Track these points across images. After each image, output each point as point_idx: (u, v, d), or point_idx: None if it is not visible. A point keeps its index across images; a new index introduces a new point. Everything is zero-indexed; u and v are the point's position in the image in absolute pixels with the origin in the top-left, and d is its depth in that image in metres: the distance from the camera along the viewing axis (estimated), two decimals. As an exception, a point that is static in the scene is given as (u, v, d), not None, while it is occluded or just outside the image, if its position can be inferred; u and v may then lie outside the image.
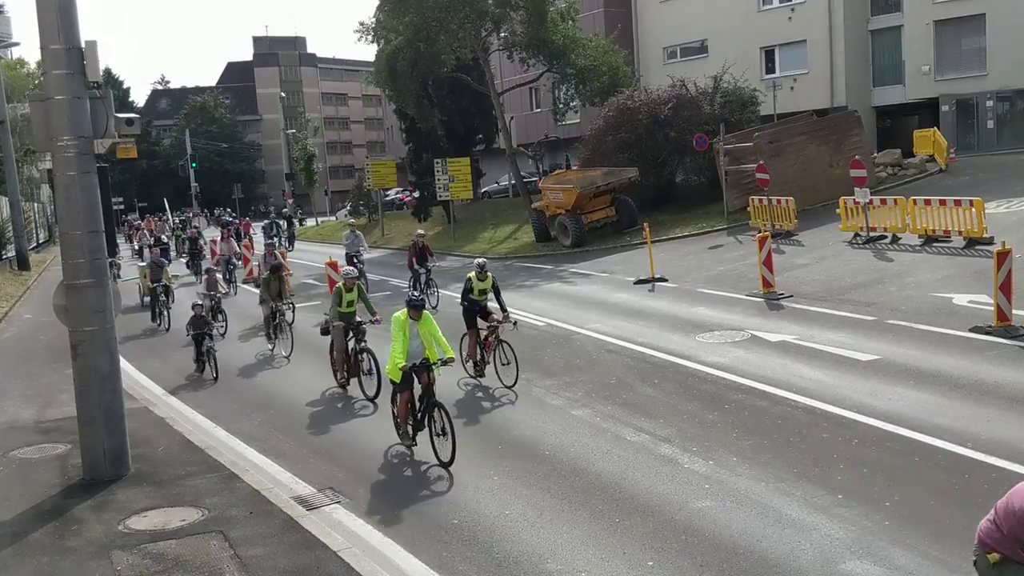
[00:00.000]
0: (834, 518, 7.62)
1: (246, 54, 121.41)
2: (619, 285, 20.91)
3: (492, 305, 13.71)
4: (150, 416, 12.34)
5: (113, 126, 9.79)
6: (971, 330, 13.12)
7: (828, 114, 33.22)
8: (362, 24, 42.01)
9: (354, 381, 13.25)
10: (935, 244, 19.39)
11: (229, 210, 69.12)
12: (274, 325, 16.53)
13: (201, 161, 79.45)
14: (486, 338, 13.17)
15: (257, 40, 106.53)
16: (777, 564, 6.97)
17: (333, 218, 63.93)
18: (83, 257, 9.65)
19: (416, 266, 20.43)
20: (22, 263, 34.50)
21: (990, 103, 34.28)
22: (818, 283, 17.95)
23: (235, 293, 25.58)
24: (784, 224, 23.51)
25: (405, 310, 10.26)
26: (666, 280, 20.37)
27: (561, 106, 42.34)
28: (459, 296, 13.79)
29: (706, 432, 10.12)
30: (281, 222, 43.69)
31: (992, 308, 13.19)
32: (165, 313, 20.66)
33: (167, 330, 20.12)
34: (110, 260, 27.42)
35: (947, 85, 34.74)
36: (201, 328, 15.17)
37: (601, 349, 14.44)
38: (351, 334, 13.42)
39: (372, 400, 12.57)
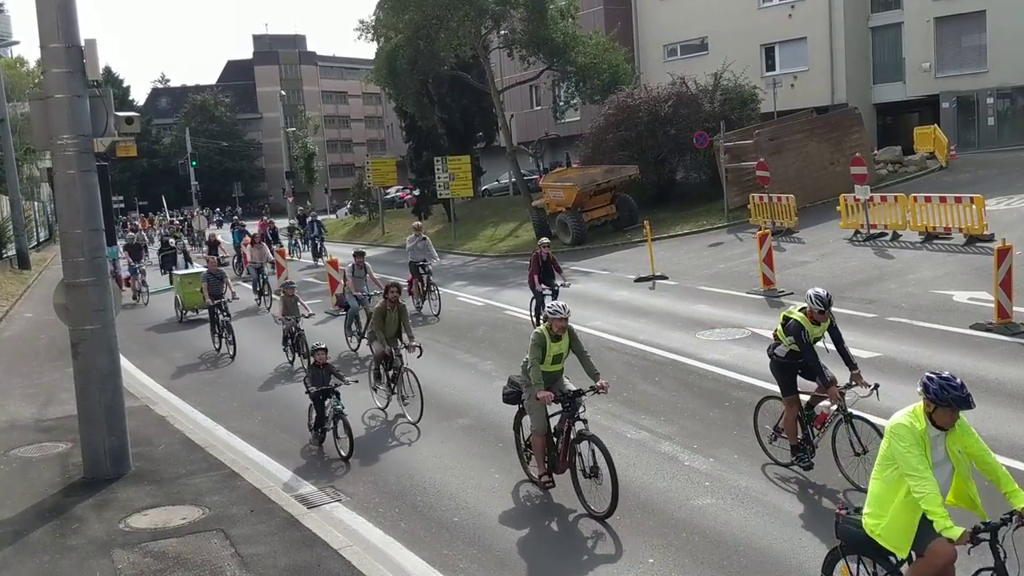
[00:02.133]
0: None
1: (246, 52, 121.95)
2: (620, 283, 20.91)
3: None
4: (151, 414, 12.34)
5: (113, 124, 9.79)
6: (972, 327, 13.13)
7: (828, 111, 33.21)
8: (362, 22, 42.04)
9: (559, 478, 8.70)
10: (935, 241, 19.38)
11: (218, 209, 68.36)
12: (390, 377, 11.70)
13: (201, 159, 79.50)
14: (809, 405, 8.64)
15: (257, 38, 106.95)
16: (778, 561, 6.97)
17: (333, 216, 63.96)
18: (83, 255, 9.65)
19: (540, 286, 15.84)
20: (23, 262, 34.49)
21: (990, 100, 34.24)
22: (819, 280, 17.89)
23: (270, 308, 21.29)
24: (784, 221, 23.50)
25: (919, 406, 5.21)
26: (667, 278, 20.37)
27: (561, 104, 42.32)
28: (758, 346, 9.63)
29: (707, 429, 10.11)
30: (296, 222, 40.77)
31: (992, 305, 13.19)
32: (231, 337, 16.62)
33: (233, 357, 16.33)
34: (135, 266, 25.35)
35: (947, 82, 34.70)
36: (324, 382, 10.54)
37: (602, 347, 14.42)
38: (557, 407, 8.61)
39: (603, 520, 7.94)
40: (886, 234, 20.76)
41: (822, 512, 7.71)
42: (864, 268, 18.43)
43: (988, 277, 14.06)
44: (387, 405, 11.89)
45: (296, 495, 9.04)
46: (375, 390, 12.16)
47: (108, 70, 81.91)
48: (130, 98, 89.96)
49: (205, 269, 18.43)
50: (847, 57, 37.15)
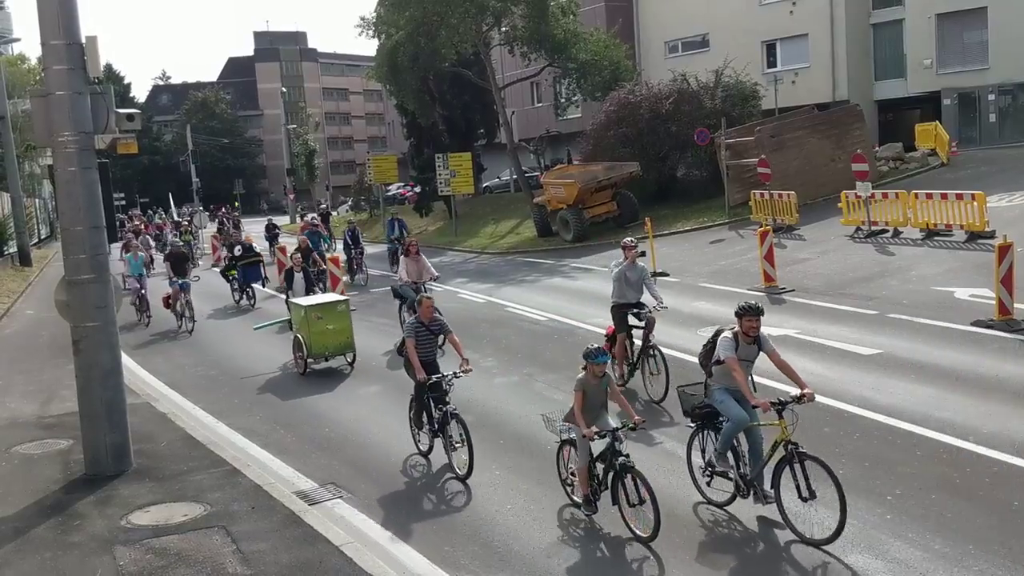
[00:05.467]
0: (836, 512, 7.61)
1: (247, 49, 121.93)
2: (620, 280, 20.87)
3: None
4: (152, 411, 12.35)
5: (114, 122, 9.79)
6: (973, 324, 13.12)
7: (829, 108, 33.16)
8: (363, 19, 42.21)
9: None
10: (936, 238, 19.38)
11: (210, 209, 66.32)
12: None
13: (202, 156, 79.54)
14: None
15: (258, 35, 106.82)
16: (780, 558, 6.98)
17: (335, 213, 63.95)
18: (84, 253, 9.65)
19: None
20: (24, 259, 34.53)
21: (992, 96, 34.19)
22: (820, 277, 17.93)
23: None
24: (785, 218, 23.49)
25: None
26: (668, 275, 20.34)
27: (562, 101, 42.29)
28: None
29: (708, 426, 10.09)
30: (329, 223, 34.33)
31: (994, 302, 13.18)
32: (467, 445, 9.18)
33: (467, 475, 9.14)
34: (180, 281, 19.16)
35: (949, 79, 34.65)
36: None
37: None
38: None
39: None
40: (887, 231, 20.75)
41: (823, 508, 7.69)
42: (865, 265, 18.42)
43: (989, 274, 14.03)
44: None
45: (297, 492, 9.04)
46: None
47: (109, 67, 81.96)
48: (131, 95, 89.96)
49: (413, 318, 10.29)
50: (848, 54, 37.12)
